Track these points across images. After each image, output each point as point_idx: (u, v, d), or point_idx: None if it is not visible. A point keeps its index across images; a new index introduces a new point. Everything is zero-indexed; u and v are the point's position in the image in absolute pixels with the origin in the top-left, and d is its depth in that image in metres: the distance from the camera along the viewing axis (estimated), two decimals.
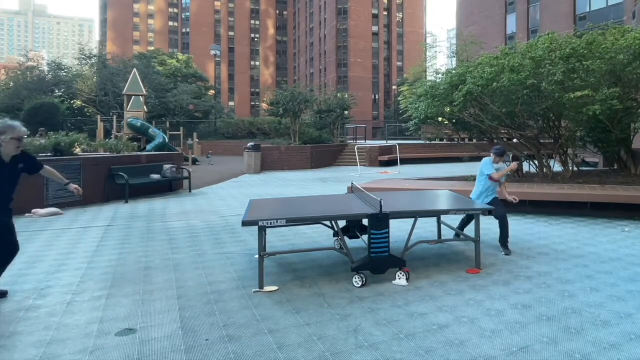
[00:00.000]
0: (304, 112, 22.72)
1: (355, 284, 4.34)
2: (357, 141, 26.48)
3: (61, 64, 32.73)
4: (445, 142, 24.23)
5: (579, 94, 8.58)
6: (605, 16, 26.50)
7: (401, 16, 79.33)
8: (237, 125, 31.25)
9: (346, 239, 5.13)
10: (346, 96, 29.77)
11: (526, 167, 11.88)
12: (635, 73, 8.96)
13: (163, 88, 33.07)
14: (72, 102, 30.70)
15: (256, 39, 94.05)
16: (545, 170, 10.92)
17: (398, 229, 6.21)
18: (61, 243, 6.18)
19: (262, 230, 4.37)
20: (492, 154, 5.73)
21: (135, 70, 22.49)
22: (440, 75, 14.09)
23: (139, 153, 13.07)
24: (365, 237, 4.88)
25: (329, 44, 76.52)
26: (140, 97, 20.24)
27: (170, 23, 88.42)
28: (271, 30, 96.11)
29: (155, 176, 10.97)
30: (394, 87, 71.56)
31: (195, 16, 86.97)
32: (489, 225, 6.56)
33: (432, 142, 24.52)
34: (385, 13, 77.81)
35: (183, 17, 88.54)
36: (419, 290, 4.24)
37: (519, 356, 2.99)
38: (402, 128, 32.01)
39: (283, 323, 3.52)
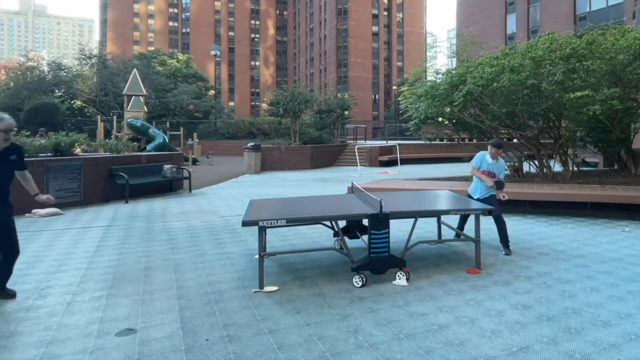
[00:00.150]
0: (304, 112, 22.69)
1: (355, 284, 4.34)
2: (357, 141, 26.47)
3: (61, 64, 32.66)
4: (445, 142, 24.32)
5: (579, 94, 8.59)
6: (605, 16, 26.51)
7: (401, 16, 79.30)
8: (237, 125, 31.24)
9: (346, 239, 5.14)
10: (346, 96, 29.73)
11: (526, 167, 11.88)
12: (635, 73, 8.97)
13: (163, 88, 33.03)
14: (72, 102, 30.65)
15: (256, 39, 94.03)
16: (545, 170, 10.93)
17: (398, 229, 6.21)
18: (61, 243, 6.18)
19: (262, 230, 4.37)
20: (489, 146, 5.77)
21: (135, 70, 22.46)
22: (440, 75, 14.11)
23: (139, 153, 13.07)
24: (365, 237, 4.88)
25: (329, 44, 76.51)
26: (140, 97, 20.22)
27: (170, 23, 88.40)
28: (271, 30, 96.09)
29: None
30: (394, 87, 71.55)
31: (195, 16, 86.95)
32: (489, 225, 6.53)
33: (432, 142, 24.64)
34: (385, 13, 77.79)
35: (183, 17, 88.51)
36: (419, 290, 4.24)
37: (519, 356, 2.99)
38: (402, 128, 32.03)
39: (283, 323, 3.52)
